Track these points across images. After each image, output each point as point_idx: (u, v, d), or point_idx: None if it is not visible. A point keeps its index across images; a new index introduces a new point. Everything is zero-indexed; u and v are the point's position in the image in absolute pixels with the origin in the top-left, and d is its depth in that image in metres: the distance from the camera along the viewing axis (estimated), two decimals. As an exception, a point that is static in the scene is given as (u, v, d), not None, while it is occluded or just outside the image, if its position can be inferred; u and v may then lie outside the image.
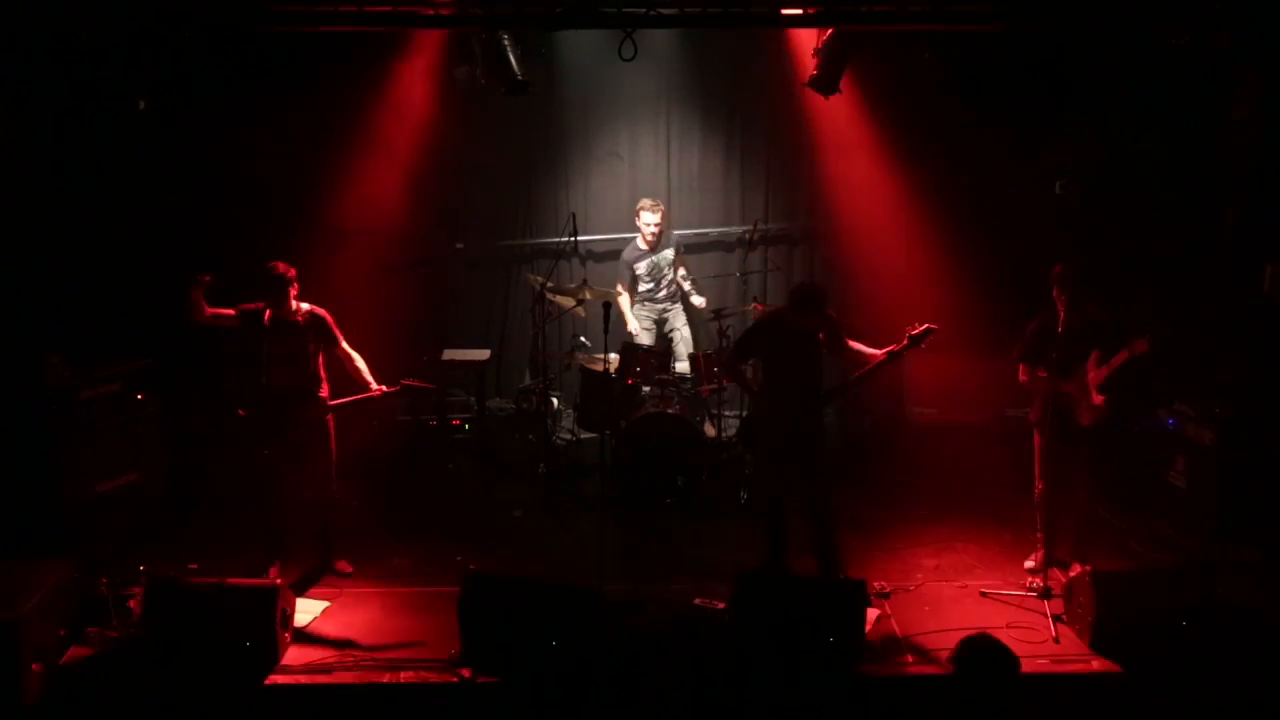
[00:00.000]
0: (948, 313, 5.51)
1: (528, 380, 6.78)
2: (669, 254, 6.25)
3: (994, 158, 6.10)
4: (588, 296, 5.72)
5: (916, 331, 4.01)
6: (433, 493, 5.49)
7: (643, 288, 6.30)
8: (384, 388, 4.30)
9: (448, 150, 6.65)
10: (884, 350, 4.07)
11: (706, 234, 7.10)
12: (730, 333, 5.55)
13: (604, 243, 6.91)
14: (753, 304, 5.80)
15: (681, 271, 6.32)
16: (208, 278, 4.19)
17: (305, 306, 4.29)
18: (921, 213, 6.33)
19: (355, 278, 5.96)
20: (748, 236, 6.14)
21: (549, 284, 5.63)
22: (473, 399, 6.36)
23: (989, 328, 5.48)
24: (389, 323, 6.33)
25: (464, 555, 4.50)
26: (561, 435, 6.26)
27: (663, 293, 6.30)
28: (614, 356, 5.65)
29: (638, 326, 6.25)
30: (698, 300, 6.18)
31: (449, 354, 6.15)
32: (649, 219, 6.08)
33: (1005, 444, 5.04)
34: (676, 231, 6.96)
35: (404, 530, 4.93)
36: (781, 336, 4.11)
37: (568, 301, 5.90)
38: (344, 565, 4.44)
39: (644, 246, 6.20)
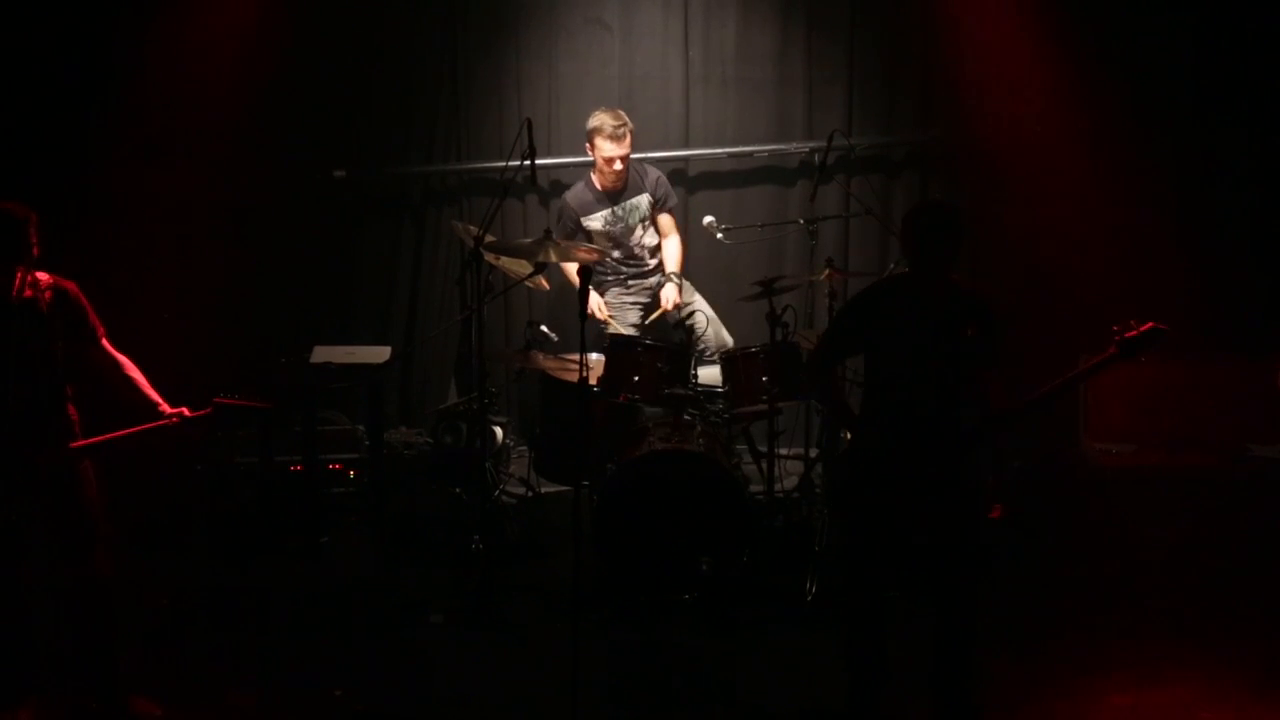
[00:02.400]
0: (1154, 294, 5.50)
1: (453, 397, 6.75)
2: (641, 201, 6.32)
3: (1243, 61, 6.22)
4: (553, 258, 5.68)
5: (1133, 334, 3.89)
6: (296, 584, 5.46)
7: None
8: (183, 411, 4.22)
9: (319, 21, 6.64)
10: (1077, 369, 3.97)
11: (749, 155, 7.10)
12: (790, 319, 5.49)
13: (580, 169, 6.89)
14: (825, 272, 5.75)
15: (708, 219, 6.28)
16: None
17: (46, 277, 4.21)
18: (1116, 132, 6.40)
19: (163, 231, 5.96)
20: (819, 159, 6.13)
21: (489, 238, 5.56)
22: (362, 429, 6.38)
23: (1218, 318, 5.45)
24: (220, 304, 6.30)
25: (345, 690, 4.45)
26: (510, 489, 6.26)
27: (642, 266, 6.39)
28: (596, 357, 5.59)
29: (599, 304, 6.31)
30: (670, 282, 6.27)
31: (321, 353, 6.08)
32: (609, 149, 6.15)
33: (1249, 503, 5.02)
34: (699, 151, 6.95)
35: (248, 647, 4.89)
36: (905, 318, 3.98)
37: (520, 267, 5.91)
38: (144, 704, 4.37)
39: (598, 188, 6.32)
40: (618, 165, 6.16)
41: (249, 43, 6.53)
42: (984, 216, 6.70)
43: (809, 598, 5.17)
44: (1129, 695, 4.47)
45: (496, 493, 6.09)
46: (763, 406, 5.51)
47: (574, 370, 5.39)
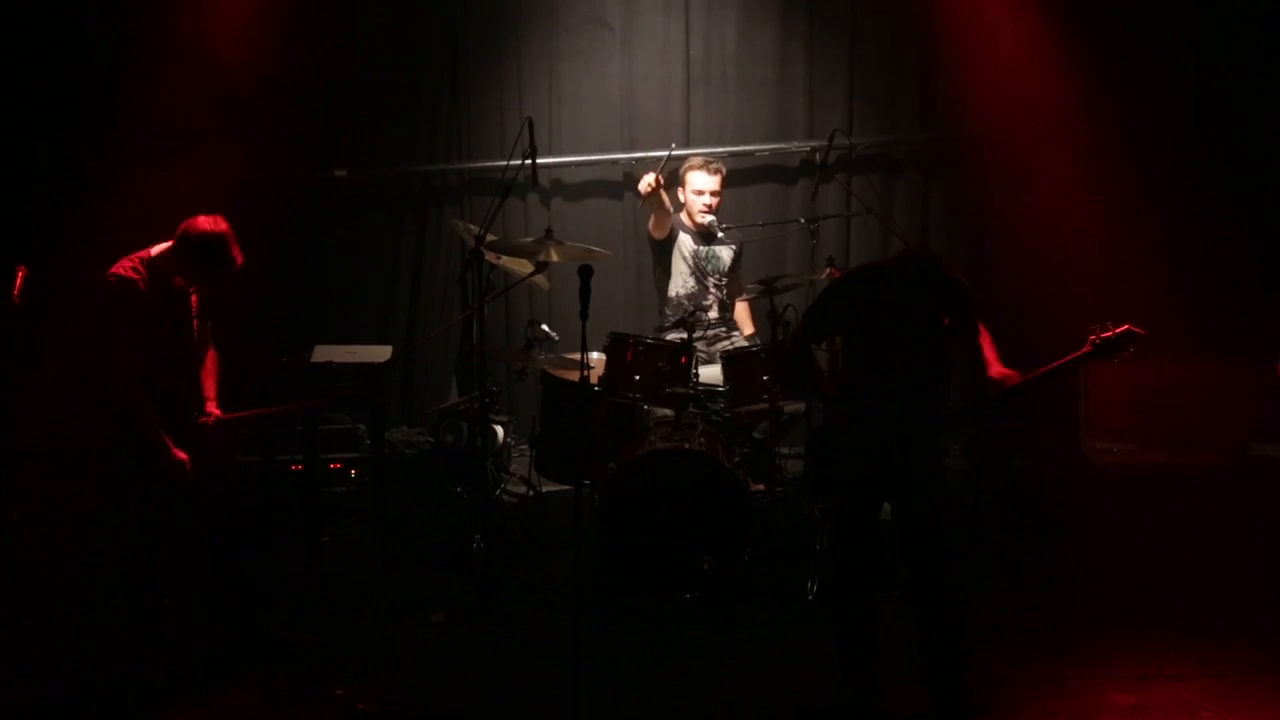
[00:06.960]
0: (1155, 293, 5.51)
1: (454, 397, 6.75)
2: (723, 253, 6.30)
3: (1242, 62, 6.24)
4: (555, 258, 5.69)
5: (1109, 334, 3.96)
6: (297, 582, 5.47)
7: (678, 286, 6.29)
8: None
9: (319, 21, 6.65)
10: (1053, 363, 4.03)
11: (750, 154, 7.11)
12: (791, 318, 5.52)
13: (581, 169, 6.90)
14: (827, 270, 5.78)
15: (710, 218, 6.27)
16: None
17: None
18: (1118, 130, 6.40)
19: (164, 230, 5.98)
20: (820, 159, 6.14)
21: (490, 237, 5.56)
22: (363, 428, 6.41)
23: (1219, 318, 5.47)
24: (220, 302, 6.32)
25: (346, 688, 4.46)
26: (511, 488, 6.25)
27: (712, 311, 6.26)
28: (597, 356, 5.59)
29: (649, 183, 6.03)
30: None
31: (322, 353, 6.11)
32: (701, 180, 6.14)
33: (1250, 501, 5.02)
34: (700, 150, 6.97)
35: (248, 646, 4.83)
36: (884, 307, 4.06)
37: (521, 266, 5.91)
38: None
39: (689, 225, 6.30)
40: (708, 199, 6.13)
41: (250, 42, 6.54)
42: (984, 215, 6.73)
43: (810, 596, 5.19)
44: (1130, 694, 4.46)
45: (497, 492, 6.10)
46: (763, 405, 5.52)
47: (575, 369, 5.39)
